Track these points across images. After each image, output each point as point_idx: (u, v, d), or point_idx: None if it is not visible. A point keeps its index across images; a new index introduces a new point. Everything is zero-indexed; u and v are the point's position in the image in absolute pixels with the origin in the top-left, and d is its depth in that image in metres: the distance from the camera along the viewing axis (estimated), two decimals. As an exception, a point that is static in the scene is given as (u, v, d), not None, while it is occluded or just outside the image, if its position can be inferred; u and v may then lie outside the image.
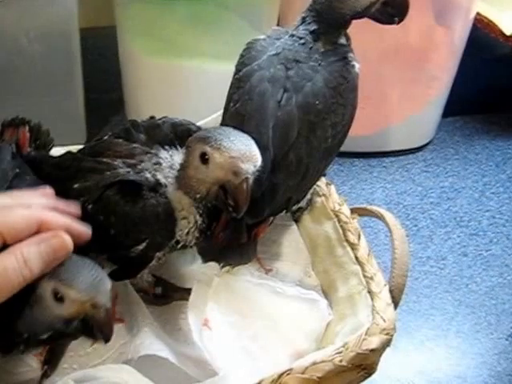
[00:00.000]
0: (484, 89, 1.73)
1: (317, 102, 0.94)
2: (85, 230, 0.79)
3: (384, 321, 0.83)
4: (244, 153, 0.82)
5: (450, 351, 1.16)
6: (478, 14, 1.57)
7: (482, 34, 1.62)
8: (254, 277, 0.98)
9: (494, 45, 1.64)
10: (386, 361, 1.04)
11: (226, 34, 1.34)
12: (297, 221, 1.12)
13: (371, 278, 0.91)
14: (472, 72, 1.64)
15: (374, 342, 0.80)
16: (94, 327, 0.77)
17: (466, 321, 1.22)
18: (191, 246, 0.93)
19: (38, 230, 0.73)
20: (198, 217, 0.88)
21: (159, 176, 0.89)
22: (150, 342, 0.89)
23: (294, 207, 1.05)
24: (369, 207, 1.01)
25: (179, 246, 0.92)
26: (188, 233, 0.90)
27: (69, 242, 0.73)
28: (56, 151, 1.07)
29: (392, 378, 1.05)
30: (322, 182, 1.08)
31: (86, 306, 0.75)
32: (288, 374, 0.76)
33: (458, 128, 1.77)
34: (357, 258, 0.95)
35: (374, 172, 1.52)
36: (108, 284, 0.77)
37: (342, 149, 1.50)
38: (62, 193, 0.92)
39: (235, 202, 0.84)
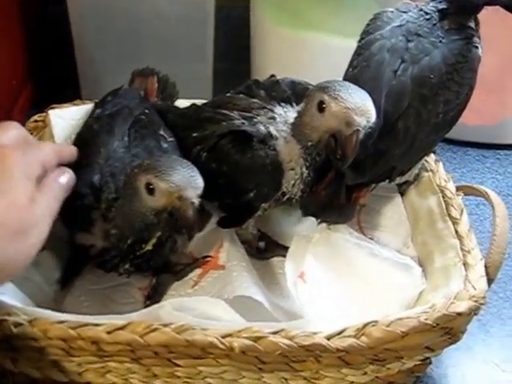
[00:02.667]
0: None
1: (431, 77, 0.94)
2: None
3: (474, 289, 0.84)
4: (359, 106, 0.84)
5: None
6: None
7: None
8: (352, 237, 1.01)
9: None
10: (476, 343, 1.06)
11: (355, 13, 1.35)
12: (402, 194, 1.13)
13: (468, 252, 0.91)
14: None
15: (461, 306, 0.80)
16: (180, 221, 0.81)
17: None
18: (296, 200, 0.96)
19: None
20: (304, 169, 0.92)
21: (271, 129, 0.92)
22: (248, 286, 0.93)
23: (401, 180, 1.07)
24: (474, 185, 1.01)
25: (285, 198, 0.95)
26: (294, 184, 0.93)
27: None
28: (180, 103, 1.13)
29: (479, 360, 1.06)
30: (430, 158, 1.10)
31: (173, 198, 0.79)
32: (373, 326, 0.78)
33: None
34: (457, 231, 0.95)
35: (487, 163, 1.50)
36: (199, 182, 0.80)
37: (457, 137, 1.50)
38: (182, 140, 1.00)
39: (343, 152, 0.86)
